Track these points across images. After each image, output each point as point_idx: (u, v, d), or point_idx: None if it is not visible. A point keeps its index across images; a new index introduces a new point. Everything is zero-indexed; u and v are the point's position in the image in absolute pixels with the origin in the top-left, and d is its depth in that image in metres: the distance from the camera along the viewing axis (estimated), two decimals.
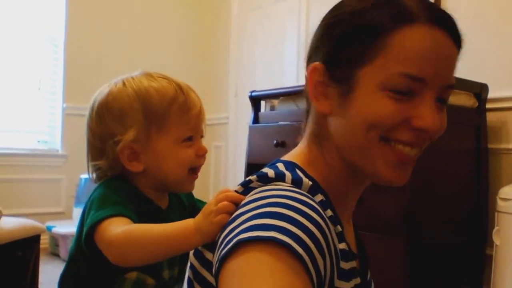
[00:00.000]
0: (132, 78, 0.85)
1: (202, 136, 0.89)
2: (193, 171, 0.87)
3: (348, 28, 0.62)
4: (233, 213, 0.59)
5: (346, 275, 0.60)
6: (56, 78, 3.93)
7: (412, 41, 0.58)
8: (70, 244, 3.04)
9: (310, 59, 0.67)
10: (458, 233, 2.21)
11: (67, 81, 3.90)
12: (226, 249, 0.51)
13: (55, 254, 3.48)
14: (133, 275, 0.80)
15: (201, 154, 0.86)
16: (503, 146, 2.35)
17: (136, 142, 0.82)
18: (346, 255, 0.62)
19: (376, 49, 0.59)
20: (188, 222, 0.68)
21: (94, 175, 0.87)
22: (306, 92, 0.68)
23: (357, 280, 0.64)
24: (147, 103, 0.81)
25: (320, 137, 0.67)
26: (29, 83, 3.85)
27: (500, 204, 1.89)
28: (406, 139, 0.61)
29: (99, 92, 0.86)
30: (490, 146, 2.33)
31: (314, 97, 0.65)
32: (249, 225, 0.52)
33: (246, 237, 0.50)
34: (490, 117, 2.34)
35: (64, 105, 3.89)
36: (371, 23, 0.60)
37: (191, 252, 0.67)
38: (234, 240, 0.51)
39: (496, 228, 1.90)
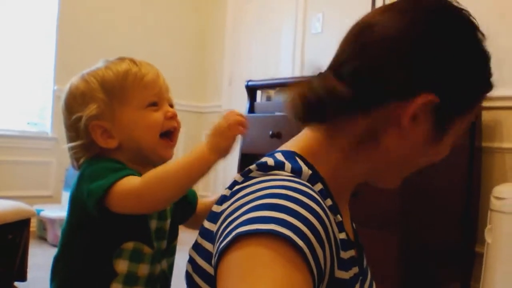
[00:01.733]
0: (90, 69, 0.91)
1: (171, 105, 0.92)
2: (166, 135, 0.89)
3: (474, 75, 0.64)
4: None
5: (345, 265, 0.60)
6: (47, 60, 3.87)
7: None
8: (58, 228, 3.03)
9: (411, 81, 0.61)
10: (450, 230, 2.24)
11: (58, 63, 3.85)
12: (225, 242, 0.51)
13: (42, 238, 3.45)
14: (129, 245, 0.82)
15: (169, 116, 0.88)
16: (497, 145, 2.37)
17: (103, 119, 0.85)
18: (345, 245, 0.62)
19: (474, 106, 0.65)
20: (201, 146, 0.76)
21: (75, 163, 0.90)
22: (370, 100, 0.62)
23: (356, 269, 0.65)
24: (104, 81, 0.87)
25: (365, 145, 0.64)
26: (20, 64, 3.79)
27: (494, 202, 1.91)
28: None
29: (64, 90, 0.92)
30: (484, 144, 2.35)
31: (407, 117, 0.61)
32: (248, 217, 0.51)
33: (245, 230, 0.49)
34: (485, 115, 2.36)
35: (55, 87, 3.83)
36: (489, 78, 0.66)
37: (190, 246, 0.67)
38: (233, 233, 0.50)
39: (488, 226, 1.92)
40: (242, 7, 4.03)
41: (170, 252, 0.90)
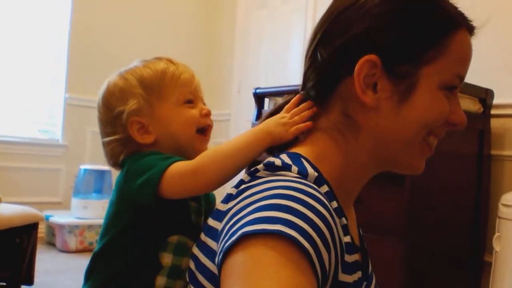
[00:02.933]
0: (128, 67, 0.93)
1: (204, 103, 0.94)
2: (202, 131, 0.91)
3: (417, 25, 0.62)
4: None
5: (349, 268, 0.59)
6: (59, 67, 3.92)
7: (464, 44, 0.64)
8: (66, 234, 3.03)
9: (353, 47, 0.63)
10: (458, 237, 2.21)
11: (70, 71, 3.90)
12: (230, 240, 0.50)
13: (51, 244, 3.47)
14: (174, 238, 0.83)
15: (205, 113, 0.90)
16: (506, 153, 2.35)
17: (141, 115, 0.87)
18: (350, 248, 0.61)
19: (439, 50, 0.62)
20: (254, 129, 0.76)
21: (112, 159, 0.90)
22: (329, 81, 0.66)
23: (359, 274, 0.64)
24: (143, 78, 0.89)
25: (348, 128, 0.65)
26: (32, 71, 3.84)
27: (502, 210, 1.89)
28: (441, 134, 0.66)
29: (102, 88, 0.93)
30: (493, 152, 2.33)
31: (362, 90, 0.62)
32: (254, 217, 0.51)
33: (251, 230, 0.49)
34: (494, 123, 2.34)
35: (66, 95, 3.88)
36: (439, 23, 0.62)
37: (194, 244, 0.67)
38: (239, 232, 0.50)
39: (496, 234, 1.90)
40: (252, 15, 4.06)
41: None
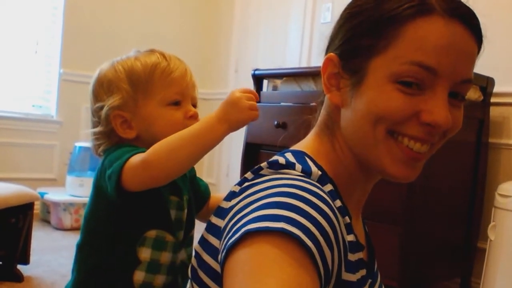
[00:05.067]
0: (121, 57, 0.92)
1: (194, 105, 0.92)
2: None
3: (363, 18, 0.61)
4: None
5: (353, 267, 0.59)
6: (53, 42, 3.85)
7: (426, 32, 0.57)
8: (61, 211, 3.03)
9: (327, 50, 0.67)
10: (453, 225, 2.23)
11: (65, 47, 3.83)
12: (233, 238, 0.50)
13: (46, 221, 3.47)
14: (152, 233, 0.83)
15: (190, 116, 0.88)
16: (504, 141, 2.35)
17: (125, 110, 0.87)
18: (353, 247, 0.61)
19: (388, 40, 0.58)
20: (210, 115, 0.75)
21: (96, 149, 0.91)
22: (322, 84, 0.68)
23: (363, 272, 0.64)
24: (132, 73, 0.88)
25: (332, 128, 0.67)
26: (26, 46, 3.78)
27: (499, 200, 1.90)
28: (414, 134, 0.59)
29: (94, 75, 0.93)
30: (491, 140, 2.33)
31: (327, 88, 0.65)
32: (258, 214, 0.51)
33: (255, 228, 0.49)
34: (493, 111, 2.34)
35: (61, 71, 3.82)
36: (387, 13, 0.59)
37: (196, 240, 0.66)
38: (243, 230, 0.50)
39: (492, 223, 1.91)
40: None
41: (187, 242, 0.91)
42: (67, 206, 3.29)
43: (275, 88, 2.73)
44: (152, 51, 0.91)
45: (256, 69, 2.70)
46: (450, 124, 0.59)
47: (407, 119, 0.58)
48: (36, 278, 2.39)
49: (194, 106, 0.92)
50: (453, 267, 2.27)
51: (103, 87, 0.89)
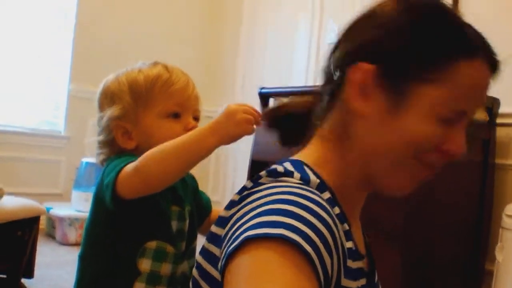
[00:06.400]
0: (127, 70, 0.94)
1: (197, 118, 0.93)
2: None
3: (422, 42, 0.59)
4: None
5: (352, 274, 0.59)
6: (63, 59, 3.90)
7: (471, 76, 0.60)
8: (66, 226, 3.02)
9: (353, 55, 0.62)
10: (458, 246, 2.21)
11: (74, 63, 3.88)
12: (233, 245, 0.50)
13: (51, 236, 3.46)
14: (152, 244, 0.83)
15: (189, 128, 0.88)
16: (510, 162, 2.34)
17: (126, 121, 0.88)
18: (353, 254, 0.61)
19: (442, 73, 0.59)
20: (203, 127, 0.75)
21: (99, 158, 0.93)
22: (333, 89, 0.66)
23: (363, 281, 0.64)
24: (134, 85, 0.89)
25: (343, 136, 0.65)
26: (35, 61, 3.83)
27: (506, 220, 1.89)
28: (433, 161, 0.62)
29: (99, 86, 0.95)
30: (497, 161, 2.33)
31: (355, 97, 0.62)
32: (257, 221, 0.51)
33: (254, 234, 0.49)
34: (499, 132, 2.33)
35: (70, 87, 3.86)
36: (446, 44, 0.59)
37: (198, 251, 0.66)
38: (242, 237, 0.50)
39: (499, 244, 1.90)
40: (258, 13, 4.04)
41: (189, 253, 0.91)
42: (73, 221, 3.29)
43: None
44: (155, 64, 0.93)
45: (263, 87, 2.72)
46: (464, 153, 0.63)
47: (432, 147, 0.61)
48: None
49: (197, 119, 0.93)
50: (460, 283, 2.24)
51: (106, 98, 0.91)
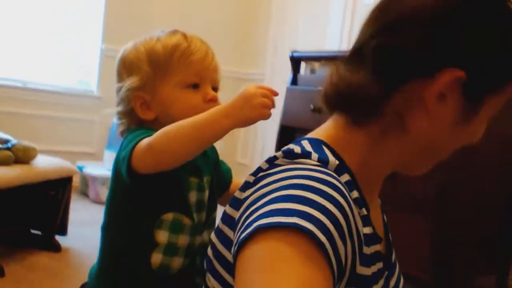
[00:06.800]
0: (145, 38, 0.92)
1: (215, 88, 0.91)
2: None
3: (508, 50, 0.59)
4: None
5: (368, 261, 0.58)
6: (96, 19, 3.91)
7: None
8: (99, 185, 3.11)
9: (439, 56, 0.58)
10: (489, 220, 2.15)
11: (107, 22, 3.88)
12: (245, 233, 0.50)
13: (85, 194, 3.57)
14: (169, 216, 0.83)
15: (208, 99, 0.88)
16: None
17: (144, 91, 0.87)
18: (370, 239, 0.60)
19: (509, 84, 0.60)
20: (219, 108, 0.73)
21: (119, 128, 0.93)
22: (399, 78, 0.59)
23: (380, 265, 0.63)
24: (152, 54, 0.88)
25: (395, 128, 0.61)
26: (70, 22, 3.85)
27: None
28: None
29: (118, 54, 0.94)
30: None
31: (432, 97, 0.58)
32: (270, 208, 0.50)
33: (267, 223, 0.48)
34: None
35: (103, 46, 3.88)
36: None
37: (213, 231, 0.66)
38: (254, 225, 0.49)
39: None
40: None
41: (209, 223, 0.91)
42: (105, 181, 3.38)
43: (313, 71, 2.69)
44: (174, 32, 0.90)
45: (294, 51, 2.65)
46: None
47: None
48: (73, 249, 2.48)
49: (215, 89, 0.91)
50: (489, 263, 2.20)
51: (124, 67, 0.90)
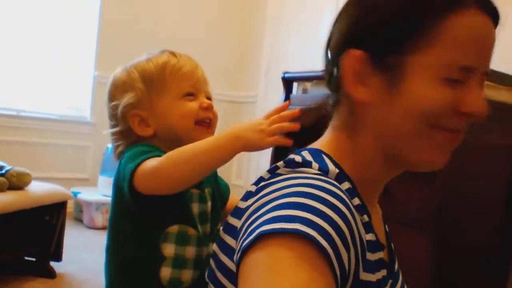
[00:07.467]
0: (133, 62, 0.94)
1: (209, 98, 0.93)
2: (202, 123, 0.91)
3: (398, 11, 0.58)
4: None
5: (372, 267, 0.58)
6: (89, 46, 3.94)
7: (465, 28, 0.57)
8: (93, 211, 3.09)
9: (342, 43, 0.62)
10: (489, 235, 2.16)
11: (100, 49, 3.92)
12: (248, 240, 0.50)
13: (79, 220, 3.54)
14: (174, 228, 0.83)
15: (204, 107, 0.90)
16: None
17: (140, 108, 0.89)
18: (373, 246, 0.60)
19: (429, 36, 0.57)
20: (228, 134, 0.73)
21: (117, 150, 0.93)
22: (335, 81, 0.64)
23: (384, 272, 0.63)
24: (145, 73, 0.90)
25: (355, 126, 0.64)
26: (62, 49, 3.88)
27: None
28: (453, 126, 0.60)
29: (108, 82, 0.96)
30: None
31: (352, 86, 0.61)
32: (272, 215, 0.50)
33: (269, 229, 0.48)
34: None
35: (96, 73, 3.91)
36: (425, 5, 0.57)
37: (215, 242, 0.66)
38: (257, 231, 0.49)
39: None
40: (283, 1, 3.99)
41: (215, 235, 0.91)
42: (99, 206, 3.35)
43: (305, 91, 2.72)
44: (162, 52, 0.93)
45: (286, 72, 2.69)
46: (486, 111, 0.60)
47: (447, 111, 0.58)
48: (68, 275, 2.45)
49: (209, 99, 0.93)
50: (488, 280, 2.20)
51: (117, 89, 0.91)
